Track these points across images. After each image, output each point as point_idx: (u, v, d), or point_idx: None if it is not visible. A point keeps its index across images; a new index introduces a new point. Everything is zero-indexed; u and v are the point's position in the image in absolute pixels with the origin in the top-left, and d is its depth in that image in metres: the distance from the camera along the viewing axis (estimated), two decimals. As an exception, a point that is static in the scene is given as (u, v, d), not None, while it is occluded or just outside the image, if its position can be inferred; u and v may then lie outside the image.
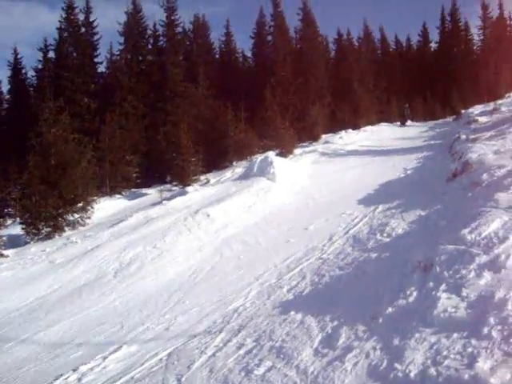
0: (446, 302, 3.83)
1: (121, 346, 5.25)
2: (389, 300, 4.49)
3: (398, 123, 33.04)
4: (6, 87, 34.05)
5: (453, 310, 3.68)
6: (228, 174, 17.80)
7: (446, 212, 7.11)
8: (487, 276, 3.94)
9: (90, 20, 28.81)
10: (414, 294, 4.37)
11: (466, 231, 4.93)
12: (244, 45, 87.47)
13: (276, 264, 7.26)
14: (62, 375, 4.71)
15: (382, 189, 11.27)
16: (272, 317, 5.17)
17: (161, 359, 4.75)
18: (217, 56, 39.93)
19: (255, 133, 24.48)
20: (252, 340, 4.69)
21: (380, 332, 4.01)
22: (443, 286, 4.10)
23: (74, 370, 4.76)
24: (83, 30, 28.51)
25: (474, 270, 4.12)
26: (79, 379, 4.64)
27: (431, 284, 4.30)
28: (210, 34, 38.58)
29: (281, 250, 7.97)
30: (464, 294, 3.82)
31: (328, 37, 44.95)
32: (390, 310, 4.27)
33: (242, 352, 4.49)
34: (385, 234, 7.14)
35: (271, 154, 15.80)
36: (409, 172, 12.83)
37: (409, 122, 33.19)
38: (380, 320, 4.21)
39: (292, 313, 5.05)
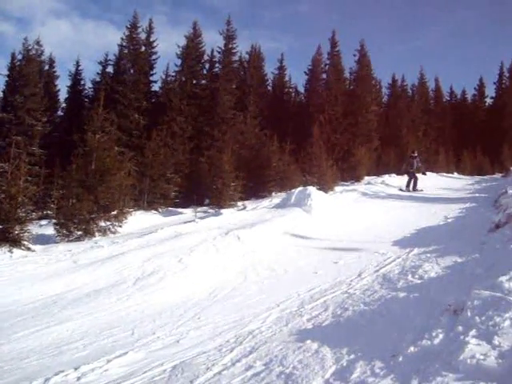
0: (474, 348, 3.52)
1: (127, 352, 5.07)
2: (412, 339, 4.20)
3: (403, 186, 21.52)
4: (64, 96, 35.09)
5: (482, 357, 3.37)
6: (265, 202, 17.62)
7: (485, 261, 6.74)
8: (524, 326, 3.63)
9: (151, 40, 29.69)
10: (440, 336, 4.07)
11: (503, 278, 4.63)
12: (298, 81, 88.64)
13: (300, 293, 7.01)
14: (62, 371, 4.58)
15: (419, 233, 10.94)
16: (287, 343, 4.91)
17: (165, 370, 4.54)
18: (269, 88, 40.26)
19: (298, 167, 24.40)
20: (262, 363, 4.43)
21: (398, 371, 3.70)
22: (473, 332, 3.80)
23: (76, 369, 4.61)
24: (143, 48, 29.35)
25: (509, 319, 3.80)
26: (78, 378, 4.48)
27: (460, 328, 3.99)
28: (264, 65, 38.90)
29: (307, 281, 7.71)
30: (496, 342, 3.52)
31: (382, 81, 44.95)
32: (411, 349, 3.98)
33: (249, 374, 4.24)
34: (416, 276, 6.81)
35: (311, 187, 15.58)
36: (449, 220, 12.43)
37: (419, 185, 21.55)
38: (400, 358, 3.90)
39: (308, 341, 4.78)
